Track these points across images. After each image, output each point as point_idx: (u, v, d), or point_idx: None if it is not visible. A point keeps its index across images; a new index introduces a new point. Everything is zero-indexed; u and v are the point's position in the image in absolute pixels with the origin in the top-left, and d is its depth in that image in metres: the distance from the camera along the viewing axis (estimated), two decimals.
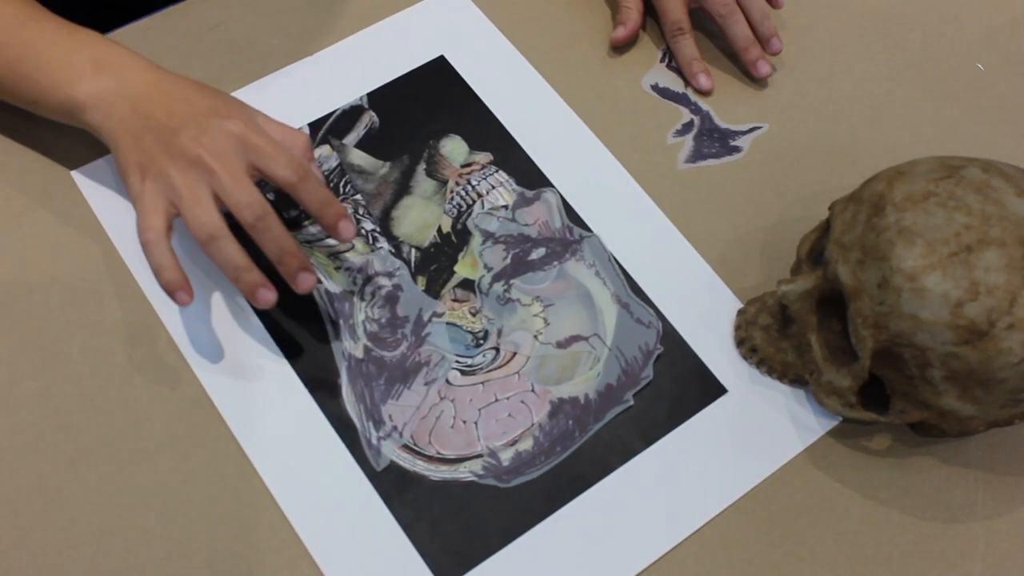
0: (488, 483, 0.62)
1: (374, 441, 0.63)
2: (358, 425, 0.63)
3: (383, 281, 0.68)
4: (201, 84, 0.66)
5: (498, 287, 0.68)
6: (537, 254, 0.70)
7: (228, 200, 0.61)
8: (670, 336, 0.67)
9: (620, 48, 0.79)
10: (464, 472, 0.62)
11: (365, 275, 0.68)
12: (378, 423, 0.63)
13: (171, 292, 0.60)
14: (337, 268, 0.68)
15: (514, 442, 0.63)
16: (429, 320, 0.67)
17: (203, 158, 0.61)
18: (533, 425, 0.64)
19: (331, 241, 0.69)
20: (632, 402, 0.65)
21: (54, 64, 0.64)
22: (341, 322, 0.66)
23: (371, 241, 0.69)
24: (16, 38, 0.65)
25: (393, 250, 0.69)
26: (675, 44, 0.78)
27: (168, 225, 0.61)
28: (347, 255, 0.69)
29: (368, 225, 0.70)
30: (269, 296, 0.61)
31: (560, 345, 0.67)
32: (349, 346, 0.66)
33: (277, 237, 0.61)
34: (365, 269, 0.68)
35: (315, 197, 0.62)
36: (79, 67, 0.64)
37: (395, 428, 0.63)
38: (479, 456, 0.63)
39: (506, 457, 0.63)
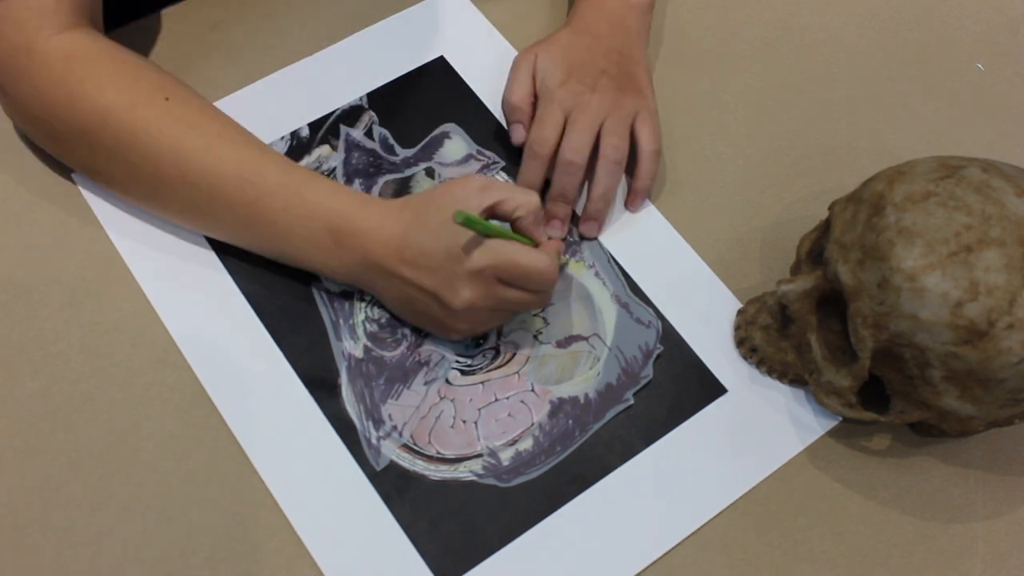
0: (488, 483, 0.62)
1: (374, 441, 0.63)
2: (358, 425, 0.63)
3: None
4: (429, 225, 0.61)
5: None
6: None
7: (519, 308, 0.65)
8: (670, 336, 0.67)
9: None
10: (464, 472, 0.62)
11: None
12: (378, 423, 0.63)
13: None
14: None
15: (514, 442, 0.63)
16: None
17: (477, 308, 0.61)
18: (533, 425, 0.64)
19: None
20: (632, 401, 0.65)
21: (294, 238, 0.63)
22: (341, 322, 0.66)
23: None
24: (249, 198, 0.63)
25: None
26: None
27: None
28: None
29: None
30: None
31: (560, 345, 0.67)
32: (349, 346, 0.66)
33: None
34: None
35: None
36: (320, 240, 0.62)
37: (395, 428, 0.63)
38: (479, 456, 0.63)
39: (506, 457, 0.63)
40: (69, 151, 0.66)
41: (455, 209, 0.58)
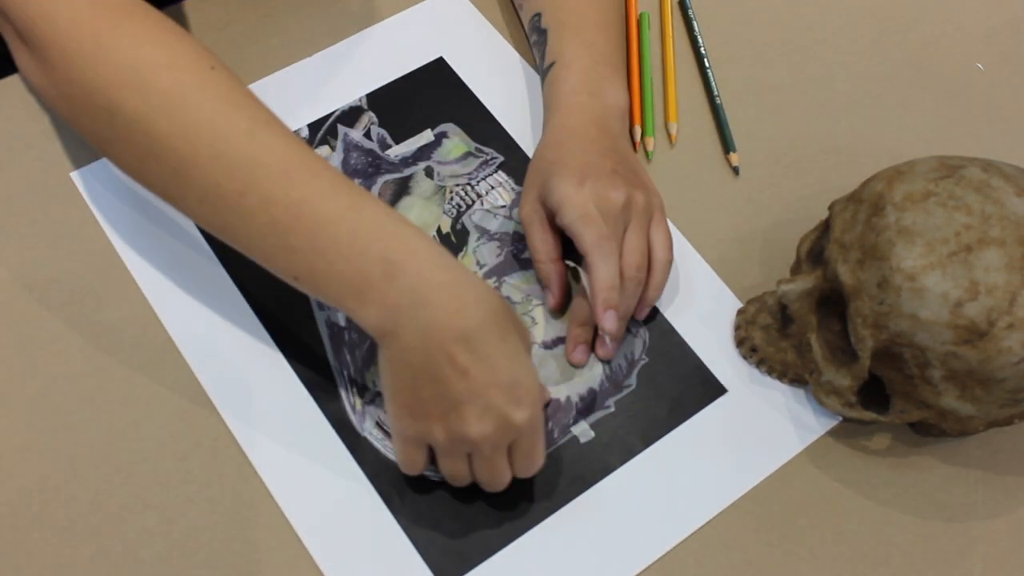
0: None
1: (359, 407, 0.63)
2: (342, 392, 0.64)
3: None
4: (508, 339, 0.53)
5: (490, 284, 0.68)
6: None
7: (477, 474, 0.57)
8: (669, 336, 0.67)
9: None
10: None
11: None
12: (362, 389, 0.64)
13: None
14: None
15: None
16: None
17: (471, 439, 0.54)
18: None
19: None
20: (613, 408, 0.65)
21: (335, 256, 0.52)
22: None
23: None
24: (287, 206, 0.52)
25: None
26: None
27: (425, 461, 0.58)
28: None
29: None
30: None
31: (546, 346, 0.67)
32: (331, 314, 0.66)
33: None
34: None
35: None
36: (369, 268, 0.52)
37: (379, 394, 0.64)
38: None
39: None
40: (85, 115, 0.55)
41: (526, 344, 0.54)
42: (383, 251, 0.52)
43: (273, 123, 0.55)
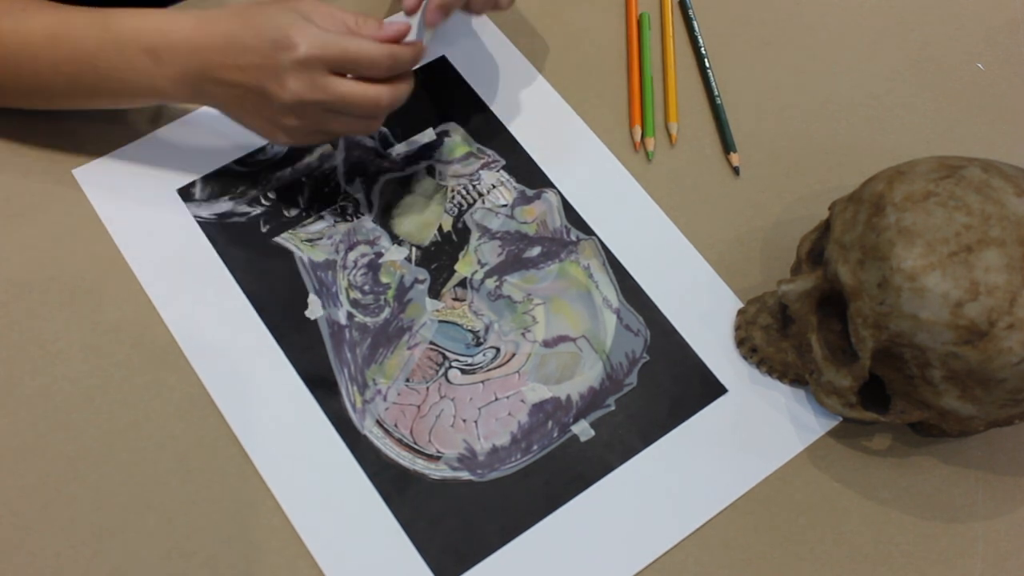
0: (463, 476, 0.62)
1: (359, 405, 0.63)
2: (342, 390, 0.64)
3: (365, 249, 0.68)
4: (254, 21, 0.62)
5: (490, 283, 0.68)
6: (532, 252, 0.70)
7: (351, 112, 0.63)
8: (670, 336, 0.67)
9: (623, 47, 0.79)
10: (441, 465, 0.62)
11: (348, 243, 0.69)
12: (362, 387, 0.64)
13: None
14: (314, 244, 0.69)
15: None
16: (411, 286, 0.67)
17: (296, 101, 0.61)
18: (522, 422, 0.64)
19: (313, 228, 0.69)
20: (613, 407, 0.65)
21: (116, 71, 0.63)
22: (324, 289, 0.67)
23: (372, 239, 0.69)
24: (68, 50, 0.64)
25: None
26: None
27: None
28: (329, 231, 0.69)
29: (368, 224, 0.70)
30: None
31: (547, 344, 0.67)
32: (332, 312, 0.66)
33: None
34: (348, 237, 0.69)
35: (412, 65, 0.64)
36: (139, 65, 0.63)
37: (379, 392, 0.64)
38: (454, 448, 0.63)
39: (482, 451, 0.63)
40: None
41: (282, 7, 0.60)
42: (142, 46, 0.62)
43: (32, 5, 0.65)
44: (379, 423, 0.63)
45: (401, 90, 0.63)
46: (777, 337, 0.66)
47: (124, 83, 0.64)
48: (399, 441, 0.63)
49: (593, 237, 0.71)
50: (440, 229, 0.70)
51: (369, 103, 0.62)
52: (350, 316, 0.66)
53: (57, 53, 0.63)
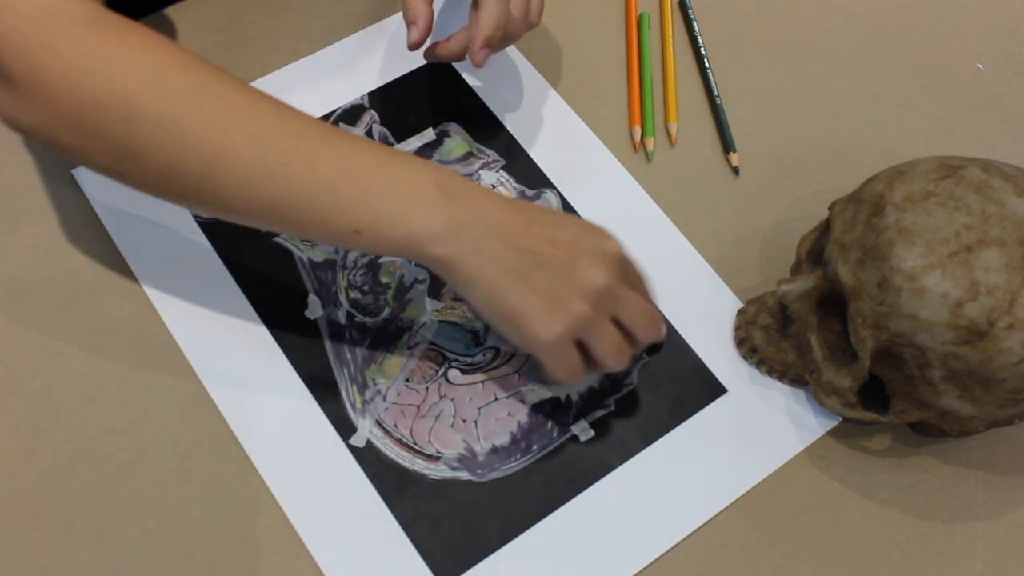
0: (462, 476, 0.62)
1: (359, 405, 0.63)
2: (342, 390, 0.64)
3: None
4: (554, 211, 0.59)
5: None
6: None
7: (634, 328, 0.57)
8: (670, 336, 0.67)
9: (619, 48, 0.79)
10: (440, 465, 0.62)
11: None
12: (362, 387, 0.64)
13: None
14: (313, 244, 0.69)
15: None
16: (411, 286, 0.67)
17: (601, 286, 0.55)
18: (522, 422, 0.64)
19: None
20: (613, 407, 0.65)
21: (396, 194, 0.54)
22: (323, 289, 0.67)
23: None
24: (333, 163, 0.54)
25: None
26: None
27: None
28: None
29: None
30: None
31: None
32: (331, 312, 0.66)
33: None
34: None
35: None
36: (427, 193, 0.54)
37: (379, 392, 0.64)
38: (454, 448, 0.63)
39: (481, 451, 0.63)
40: (99, 134, 0.53)
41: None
42: (436, 181, 0.54)
43: (289, 105, 0.56)
44: (379, 423, 0.63)
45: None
46: (777, 337, 0.66)
47: (396, 207, 0.54)
48: (399, 441, 0.63)
49: None
50: None
51: (654, 318, 0.58)
52: (350, 316, 0.66)
53: (328, 152, 0.54)
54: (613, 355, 0.57)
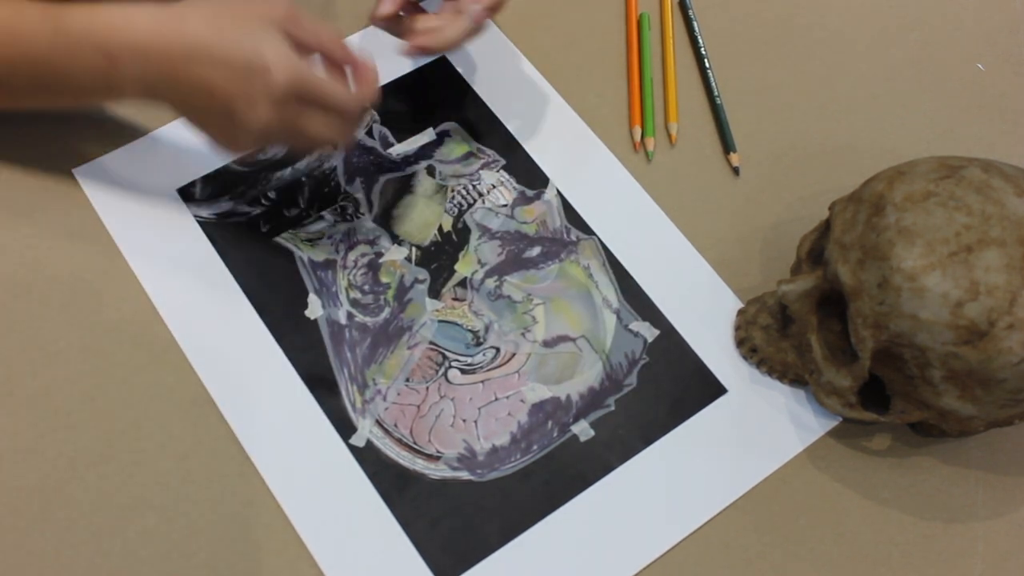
0: (462, 476, 0.62)
1: (359, 405, 0.63)
2: (342, 390, 0.64)
3: (365, 249, 0.68)
4: (210, 20, 0.58)
5: (490, 283, 0.68)
6: (532, 252, 0.70)
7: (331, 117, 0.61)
8: (670, 336, 0.67)
9: (623, 47, 0.79)
10: (440, 464, 0.62)
11: (348, 243, 0.69)
12: (362, 387, 0.64)
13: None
14: (314, 244, 0.69)
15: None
16: (411, 286, 0.67)
17: (265, 129, 0.58)
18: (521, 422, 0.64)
19: (313, 227, 0.69)
20: (613, 407, 0.65)
21: (71, 74, 0.59)
22: (324, 289, 0.67)
23: (372, 239, 0.69)
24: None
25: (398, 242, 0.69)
26: None
27: None
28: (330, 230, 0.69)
29: (368, 224, 0.70)
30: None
31: (547, 344, 0.67)
32: (332, 312, 0.66)
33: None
34: (348, 237, 0.69)
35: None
36: (95, 68, 0.58)
37: (379, 392, 0.64)
38: (453, 448, 0.63)
39: (481, 451, 0.63)
40: None
41: (257, 21, 0.57)
42: (97, 48, 0.57)
43: None
44: (379, 423, 0.63)
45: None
46: (777, 337, 0.66)
47: (81, 84, 0.59)
48: (399, 441, 0.63)
49: (593, 237, 0.71)
50: (440, 229, 0.70)
51: (339, 133, 0.62)
52: (350, 316, 0.66)
53: (10, 51, 0.59)
54: (322, 142, 0.62)
